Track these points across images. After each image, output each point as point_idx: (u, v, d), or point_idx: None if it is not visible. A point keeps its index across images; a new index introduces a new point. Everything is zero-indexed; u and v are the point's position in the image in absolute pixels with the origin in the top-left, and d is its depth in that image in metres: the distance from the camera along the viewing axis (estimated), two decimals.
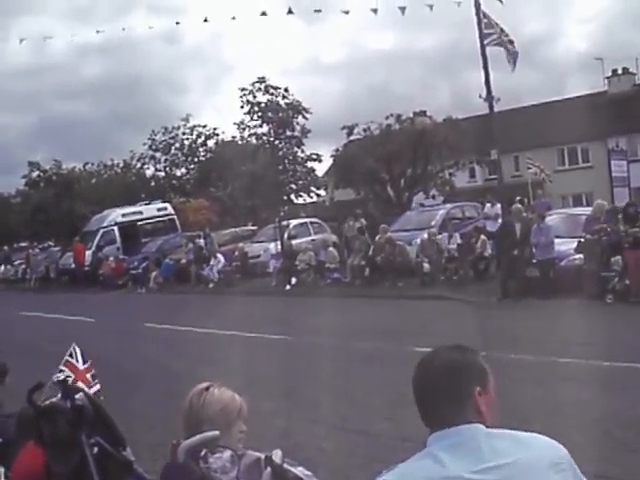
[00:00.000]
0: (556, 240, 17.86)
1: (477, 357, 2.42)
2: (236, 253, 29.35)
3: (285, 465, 2.82)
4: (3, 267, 41.31)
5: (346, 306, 19.71)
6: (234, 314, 19.18)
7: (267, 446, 3.35)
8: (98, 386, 6.31)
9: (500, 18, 19.68)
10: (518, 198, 24.85)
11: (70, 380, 6.79)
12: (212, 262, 28.78)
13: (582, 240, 17.25)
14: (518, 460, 2.19)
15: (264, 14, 21.39)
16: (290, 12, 21.19)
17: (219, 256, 28.94)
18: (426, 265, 21.88)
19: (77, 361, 6.94)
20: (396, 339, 13.41)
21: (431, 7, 20.54)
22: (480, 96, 21.38)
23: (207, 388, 3.30)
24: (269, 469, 2.82)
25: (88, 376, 6.94)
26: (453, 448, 2.22)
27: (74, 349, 6.97)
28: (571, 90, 62.08)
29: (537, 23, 78.64)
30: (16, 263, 42.79)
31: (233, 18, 21.75)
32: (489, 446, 2.22)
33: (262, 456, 2.93)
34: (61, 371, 6.92)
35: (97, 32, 22.35)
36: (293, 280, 25.02)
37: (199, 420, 3.19)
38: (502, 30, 19.54)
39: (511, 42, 19.56)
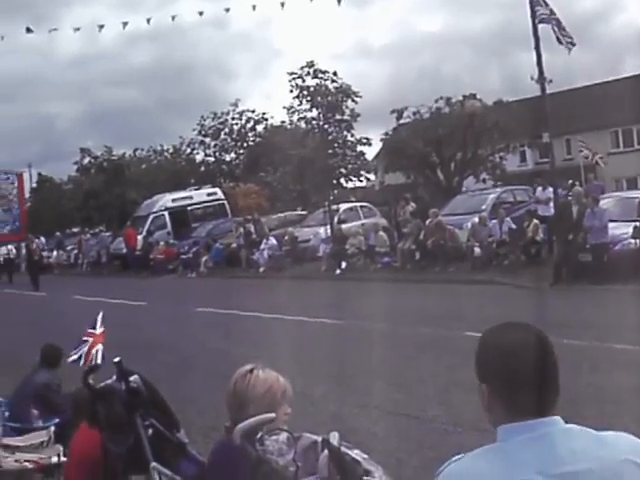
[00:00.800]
0: (610, 224, 17.56)
1: None
2: (286, 237, 29.39)
3: (342, 448, 2.80)
4: (56, 252, 41.88)
5: (396, 290, 19.65)
6: (284, 298, 19.25)
7: (319, 430, 3.34)
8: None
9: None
10: (570, 181, 24.51)
11: (88, 344, 7.03)
12: (263, 245, 28.86)
13: (638, 224, 16.95)
14: (599, 466, 1.99)
15: (312, 1, 21.35)
16: (339, 1, 21.07)
17: (271, 239, 29.01)
18: (477, 249, 21.72)
19: (94, 328, 7.20)
20: (447, 324, 13.33)
21: None
22: (532, 78, 21.16)
23: (251, 370, 3.31)
24: (326, 451, 2.81)
25: (102, 340, 7.21)
26: (527, 445, 2.02)
27: (96, 319, 7.21)
28: (628, 69, 60.78)
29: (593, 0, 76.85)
30: (68, 248, 43.37)
31: (282, 4, 21.66)
32: (567, 446, 2.01)
33: (319, 439, 2.92)
34: (85, 341, 7.15)
35: (147, 21, 22.40)
36: (343, 264, 24.99)
37: (243, 401, 3.19)
38: (552, 12, 19.20)
39: (561, 26, 19.20)
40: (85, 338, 7.33)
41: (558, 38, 19.09)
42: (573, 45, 19.22)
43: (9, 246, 37.59)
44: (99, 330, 7.39)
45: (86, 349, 7.18)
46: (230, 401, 3.26)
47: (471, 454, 2.15)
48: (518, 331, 2.17)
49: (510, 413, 2.08)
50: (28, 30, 22.08)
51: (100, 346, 7.24)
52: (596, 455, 2.01)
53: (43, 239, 40.89)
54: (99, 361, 7.02)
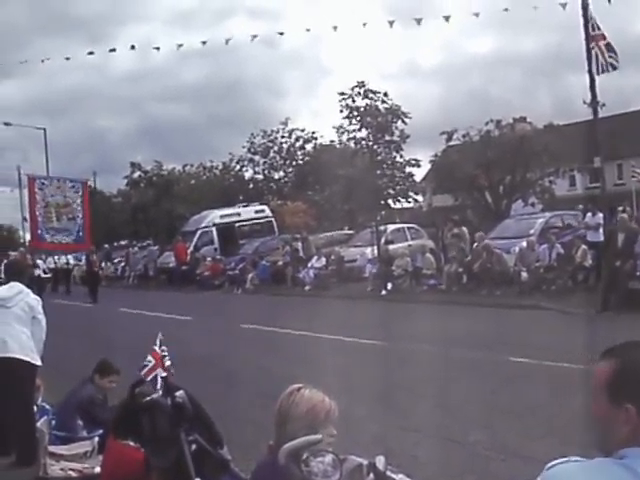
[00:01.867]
0: None
1: None
2: (332, 257, 29.42)
3: (388, 472, 2.80)
4: (104, 264, 42.49)
5: (442, 313, 19.54)
6: (330, 317, 19.22)
7: (360, 451, 3.34)
8: (169, 362, 6.57)
9: (607, 16, 19.19)
10: (621, 208, 24.19)
11: (150, 365, 7.10)
12: (310, 263, 28.94)
13: None
14: None
15: (365, 25, 21.45)
16: (391, 24, 21.10)
17: (321, 258, 29.09)
18: (524, 274, 21.54)
19: (159, 347, 7.27)
20: (492, 348, 13.22)
21: (535, 7, 20.27)
22: (584, 101, 20.90)
23: (299, 389, 3.32)
24: (372, 475, 2.81)
25: (165, 359, 7.26)
26: None
27: (159, 339, 7.27)
28: None
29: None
30: (116, 261, 43.95)
31: (334, 28, 21.76)
32: None
33: (364, 462, 2.92)
34: (149, 361, 7.24)
35: (202, 43, 22.76)
36: (389, 285, 24.93)
37: (285, 419, 3.21)
38: (602, 35, 19.00)
39: (610, 48, 18.96)
40: (149, 357, 7.40)
41: (600, 60, 18.86)
42: (614, 68, 18.98)
43: (68, 256, 37.78)
44: (159, 351, 7.46)
45: (148, 368, 7.26)
46: (275, 418, 3.29)
47: (584, 461, 2.12)
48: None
49: None
50: (90, 53, 23.23)
51: (160, 371, 7.32)
52: None
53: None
54: (157, 387, 7.13)
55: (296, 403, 3.25)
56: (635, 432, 2.04)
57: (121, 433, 3.94)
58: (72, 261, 39.26)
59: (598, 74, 18.83)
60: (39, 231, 24.36)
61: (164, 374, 7.12)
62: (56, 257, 37.56)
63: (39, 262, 35.91)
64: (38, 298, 8.08)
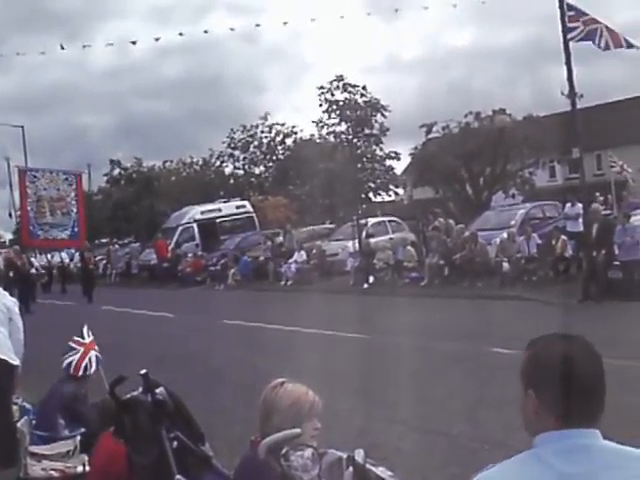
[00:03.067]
0: None
1: None
2: (314, 251, 29.41)
3: (367, 465, 2.79)
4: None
5: (424, 305, 19.59)
6: (312, 312, 19.21)
7: (344, 445, 3.32)
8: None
9: (589, 8, 19.13)
10: (598, 194, 24.28)
11: (79, 353, 7.15)
12: (294, 258, 28.94)
13: None
14: None
15: (342, 17, 21.44)
16: (368, 14, 21.09)
17: (302, 252, 29.08)
18: (505, 265, 21.60)
19: (83, 338, 7.31)
20: (475, 340, 13.25)
21: None
22: (562, 93, 20.98)
23: (282, 383, 3.31)
24: (351, 469, 2.80)
25: (95, 347, 7.31)
26: (560, 455, 2.02)
27: (82, 330, 7.34)
28: None
29: (628, 11, 76.24)
30: (97, 259, 43.75)
31: (312, 20, 21.75)
32: (602, 461, 2.01)
33: (344, 455, 2.91)
34: (72, 349, 7.27)
35: (180, 34, 22.64)
36: (371, 279, 24.97)
37: (269, 412, 3.20)
38: (592, 19, 18.87)
39: (608, 29, 18.83)
40: (74, 346, 7.44)
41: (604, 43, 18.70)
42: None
43: (62, 254, 36.88)
44: (88, 339, 7.51)
45: (77, 357, 7.29)
46: (259, 412, 3.28)
47: (504, 462, 2.15)
48: (572, 340, 2.18)
49: (559, 420, 2.08)
50: (62, 47, 22.57)
51: (93, 352, 7.37)
52: (633, 473, 2.00)
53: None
54: (94, 367, 7.18)
55: (280, 396, 3.23)
56: (539, 417, 2.11)
57: (119, 432, 3.91)
58: (67, 259, 37.86)
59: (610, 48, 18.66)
60: (31, 227, 23.06)
61: (98, 354, 7.21)
62: (49, 255, 36.20)
63: (32, 260, 35.23)
64: (15, 300, 8.01)
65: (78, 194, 23.45)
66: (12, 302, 7.78)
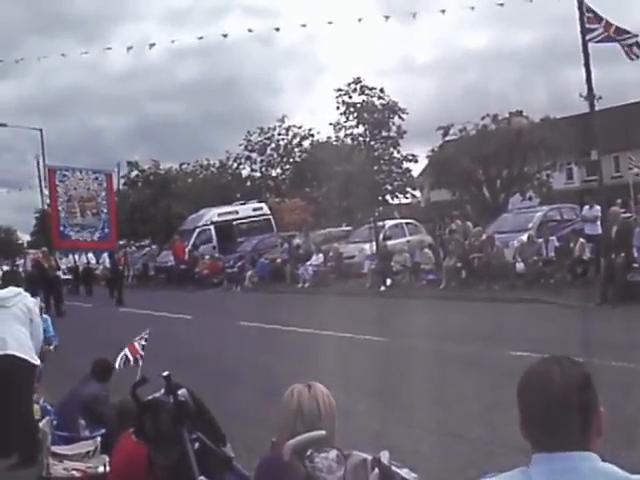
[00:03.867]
0: None
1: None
2: (331, 253, 29.44)
3: (393, 467, 2.82)
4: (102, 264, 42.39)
5: (441, 308, 19.58)
6: (329, 314, 19.24)
7: (363, 447, 3.35)
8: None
9: (604, 9, 19.12)
10: (619, 200, 24.21)
11: (126, 355, 7.21)
12: (311, 260, 28.97)
13: None
14: None
15: (360, 20, 21.42)
16: (386, 18, 21.13)
17: (319, 255, 29.11)
18: (523, 268, 21.55)
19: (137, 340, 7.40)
20: (492, 343, 13.24)
21: (531, 0, 20.31)
22: (580, 95, 20.98)
23: (309, 386, 3.33)
24: (376, 470, 2.82)
25: (136, 344, 7.37)
26: (549, 477, 2.03)
27: (144, 334, 7.41)
28: None
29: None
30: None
31: (329, 23, 21.79)
32: None
33: (369, 457, 2.93)
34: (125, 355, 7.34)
35: (198, 38, 22.65)
36: (388, 281, 24.96)
37: (314, 418, 3.20)
38: (608, 23, 18.90)
39: (624, 31, 18.84)
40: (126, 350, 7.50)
41: (627, 52, 18.78)
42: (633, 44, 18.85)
43: (89, 254, 36.10)
44: (137, 343, 7.56)
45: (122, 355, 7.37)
46: (282, 414, 3.27)
47: (500, 475, 2.19)
48: (548, 366, 2.20)
49: (532, 444, 2.13)
50: (85, 52, 22.64)
51: (127, 351, 7.45)
52: None
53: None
54: (116, 365, 7.28)
55: (324, 401, 3.25)
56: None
57: (140, 434, 3.95)
58: (93, 260, 37.73)
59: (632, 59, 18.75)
60: (62, 228, 22.22)
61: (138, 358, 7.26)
62: (76, 256, 36.16)
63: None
64: (36, 301, 8.11)
65: (109, 194, 22.63)
66: (33, 303, 7.88)
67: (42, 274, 25.92)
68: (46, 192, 39.59)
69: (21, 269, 34.53)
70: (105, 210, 22.17)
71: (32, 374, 7.63)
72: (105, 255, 33.23)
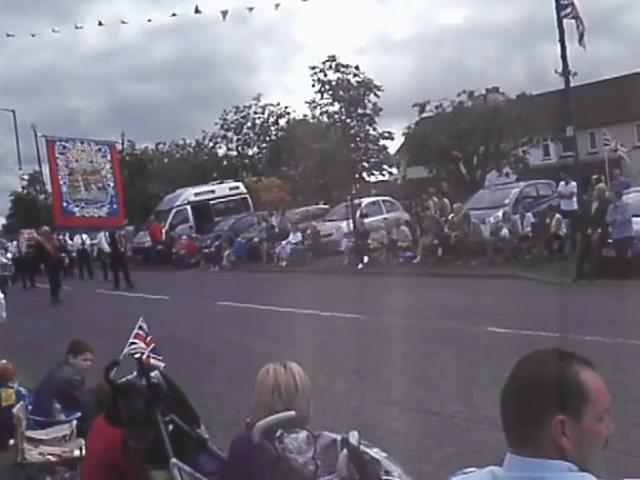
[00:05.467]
0: (634, 219, 17.41)
1: (578, 373, 1.98)
2: (308, 232, 29.40)
3: (362, 447, 2.80)
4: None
5: (418, 285, 19.62)
6: (306, 293, 19.24)
7: (340, 425, 3.34)
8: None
9: None
10: (595, 176, 24.30)
11: (143, 351, 7.04)
12: (288, 239, 28.92)
13: None
14: None
15: None
16: None
17: (297, 233, 29.05)
18: (499, 244, 21.62)
19: (145, 333, 7.19)
20: (469, 319, 13.29)
21: None
22: (556, 71, 20.99)
23: (284, 365, 3.29)
24: (345, 450, 2.80)
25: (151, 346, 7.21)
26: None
27: (142, 322, 7.22)
28: None
29: None
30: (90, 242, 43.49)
31: (304, 0, 21.61)
32: None
33: (338, 437, 2.91)
34: (133, 343, 7.17)
35: (173, 15, 22.27)
36: (365, 259, 24.97)
37: (292, 397, 3.17)
38: (573, 4, 19.02)
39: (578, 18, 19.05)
40: (133, 340, 7.33)
41: (581, 35, 18.97)
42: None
43: (83, 235, 34.63)
44: (149, 338, 7.39)
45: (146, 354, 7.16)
46: (256, 394, 3.23)
47: (473, 472, 2.11)
48: (533, 361, 2.05)
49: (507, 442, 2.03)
50: (54, 31, 21.82)
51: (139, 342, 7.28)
52: None
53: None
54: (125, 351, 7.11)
55: (301, 379, 3.22)
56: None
57: (111, 418, 3.91)
58: (88, 241, 35.73)
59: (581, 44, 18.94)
60: (64, 203, 20.53)
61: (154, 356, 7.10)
62: (84, 236, 34.73)
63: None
64: None
65: (114, 166, 20.97)
66: None
67: (43, 256, 24.96)
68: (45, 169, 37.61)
69: (11, 250, 33.07)
70: (111, 184, 20.51)
71: None
72: (101, 235, 31.46)
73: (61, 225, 23.32)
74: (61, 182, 19.68)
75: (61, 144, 20.33)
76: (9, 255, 31.39)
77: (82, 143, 20.75)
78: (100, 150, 20.74)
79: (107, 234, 29.30)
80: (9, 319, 11.95)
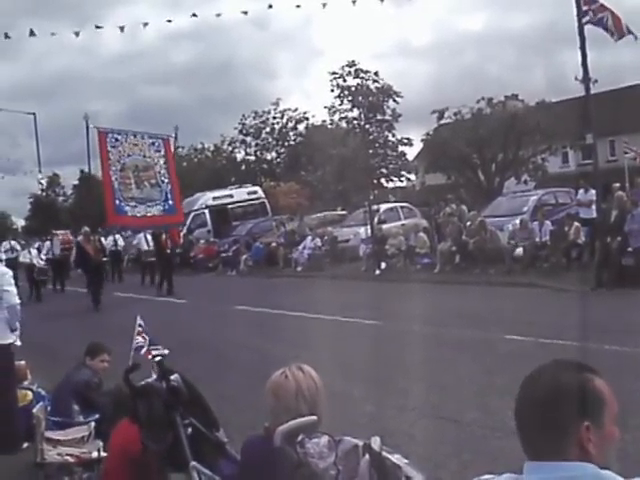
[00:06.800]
0: None
1: (593, 381, 2.05)
2: (326, 237, 29.40)
3: (383, 453, 2.81)
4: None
5: (436, 292, 19.57)
6: (324, 298, 19.23)
7: (357, 431, 3.34)
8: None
9: None
10: (617, 185, 24.18)
11: (143, 345, 7.08)
12: (304, 244, 28.91)
13: None
14: None
15: (354, 2, 21.16)
16: (382, 1, 20.91)
17: (315, 239, 29.03)
18: (517, 251, 21.54)
19: (143, 330, 7.25)
20: (487, 327, 13.26)
21: None
22: (576, 78, 20.88)
23: (299, 367, 3.29)
24: (367, 456, 2.80)
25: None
26: None
27: (140, 320, 7.30)
28: None
29: None
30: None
31: (324, 4, 21.56)
32: None
33: (360, 443, 2.91)
34: (137, 341, 7.23)
35: (193, 15, 22.08)
36: (383, 265, 24.94)
37: (315, 402, 3.16)
38: (602, 6, 18.80)
39: (613, 16, 18.74)
40: (137, 337, 7.39)
41: (611, 32, 18.68)
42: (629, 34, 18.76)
43: (116, 235, 34.01)
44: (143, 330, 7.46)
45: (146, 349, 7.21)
46: (294, 398, 3.18)
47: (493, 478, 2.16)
48: (541, 373, 2.10)
49: (526, 455, 2.06)
50: (76, 34, 21.65)
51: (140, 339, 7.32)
52: None
53: (71, 237, 35.57)
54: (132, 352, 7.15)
55: (305, 379, 3.22)
56: None
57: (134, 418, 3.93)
58: (121, 242, 34.82)
59: (616, 40, 18.67)
60: (117, 201, 19.08)
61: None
62: (117, 235, 33.90)
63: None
64: (6, 269, 8.00)
65: (168, 161, 19.42)
66: (1, 272, 7.76)
67: (83, 259, 23.20)
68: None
69: (44, 252, 30.77)
70: (166, 180, 19.10)
71: (7, 354, 7.56)
72: (141, 235, 30.23)
73: (112, 224, 22.12)
74: (113, 178, 18.42)
75: (113, 136, 18.87)
76: (42, 256, 29.88)
77: (135, 136, 19.10)
78: (154, 144, 19.27)
79: (147, 234, 28.38)
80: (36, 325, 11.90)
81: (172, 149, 20.55)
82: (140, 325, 7.33)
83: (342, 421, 3.34)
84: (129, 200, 18.16)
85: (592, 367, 2.12)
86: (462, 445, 7.01)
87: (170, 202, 18.54)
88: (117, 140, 18.62)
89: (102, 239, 30.99)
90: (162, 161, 18.71)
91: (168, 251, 25.77)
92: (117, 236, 34.16)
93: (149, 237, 28.37)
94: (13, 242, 32.75)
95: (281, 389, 3.19)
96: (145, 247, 29.22)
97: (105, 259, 26.44)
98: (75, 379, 7.34)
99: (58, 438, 6.47)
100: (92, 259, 22.69)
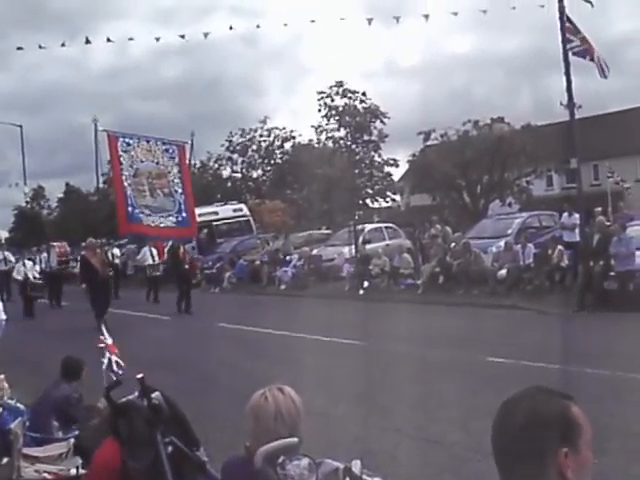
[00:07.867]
0: (637, 252, 17.42)
1: (570, 408, 2.06)
2: (310, 256, 29.37)
3: (364, 476, 2.79)
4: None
5: (420, 313, 19.57)
6: (307, 317, 19.19)
7: (339, 451, 3.32)
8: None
9: (588, 19, 19.41)
10: (599, 209, 24.33)
11: (107, 356, 6.99)
12: (290, 262, 28.89)
13: None
14: None
15: (343, 19, 21.40)
16: (369, 22, 21.18)
17: (299, 257, 29.03)
18: (501, 274, 21.60)
19: (106, 337, 7.16)
20: (470, 348, 13.26)
21: (514, 8, 20.48)
22: (561, 103, 21.07)
23: (279, 389, 3.26)
24: (348, 479, 2.78)
25: (116, 350, 7.17)
26: None
27: (103, 327, 7.23)
28: None
29: (626, 24, 76.20)
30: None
31: (312, 21, 21.76)
32: None
33: (341, 466, 2.89)
34: (102, 348, 7.13)
35: (181, 36, 22.24)
36: (366, 285, 24.94)
37: (295, 422, 3.12)
38: (585, 39, 19.17)
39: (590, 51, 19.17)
40: (100, 345, 7.30)
41: (601, 68, 19.09)
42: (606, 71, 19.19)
43: (114, 249, 33.22)
44: (109, 340, 7.36)
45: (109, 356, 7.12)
46: (272, 420, 3.11)
47: None
48: (527, 399, 2.09)
49: None
50: (63, 44, 21.61)
51: (114, 357, 7.21)
52: None
53: (68, 248, 35.22)
54: (118, 371, 6.99)
55: (298, 404, 3.19)
56: None
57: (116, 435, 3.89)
58: (118, 254, 33.75)
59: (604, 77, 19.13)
60: (130, 209, 17.46)
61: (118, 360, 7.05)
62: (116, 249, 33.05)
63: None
64: None
65: (182, 170, 17.87)
66: None
67: (88, 272, 20.94)
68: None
69: (41, 265, 29.31)
70: (179, 190, 17.66)
71: None
72: (145, 249, 29.20)
73: (125, 233, 21.17)
74: (126, 183, 17.22)
75: (124, 141, 17.74)
76: (37, 268, 28.13)
77: (148, 142, 18.09)
78: (167, 151, 18.10)
79: (151, 248, 28.03)
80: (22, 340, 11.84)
81: (187, 157, 19.50)
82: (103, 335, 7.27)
83: (324, 441, 3.32)
84: (143, 208, 17.20)
85: (567, 393, 2.13)
86: (444, 467, 6.99)
87: (184, 214, 17.48)
88: (129, 145, 17.47)
89: (115, 250, 31.69)
90: (176, 169, 17.52)
91: (186, 266, 24.36)
92: (115, 250, 33.83)
93: (154, 251, 28.29)
94: (7, 253, 31.92)
95: (261, 411, 3.15)
96: (150, 261, 28.60)
97: (111, 273, 24.79)
98: (55, 394, 7.28)
99: (36, 455, 6.38)
100: (99, 274, 20.83)
